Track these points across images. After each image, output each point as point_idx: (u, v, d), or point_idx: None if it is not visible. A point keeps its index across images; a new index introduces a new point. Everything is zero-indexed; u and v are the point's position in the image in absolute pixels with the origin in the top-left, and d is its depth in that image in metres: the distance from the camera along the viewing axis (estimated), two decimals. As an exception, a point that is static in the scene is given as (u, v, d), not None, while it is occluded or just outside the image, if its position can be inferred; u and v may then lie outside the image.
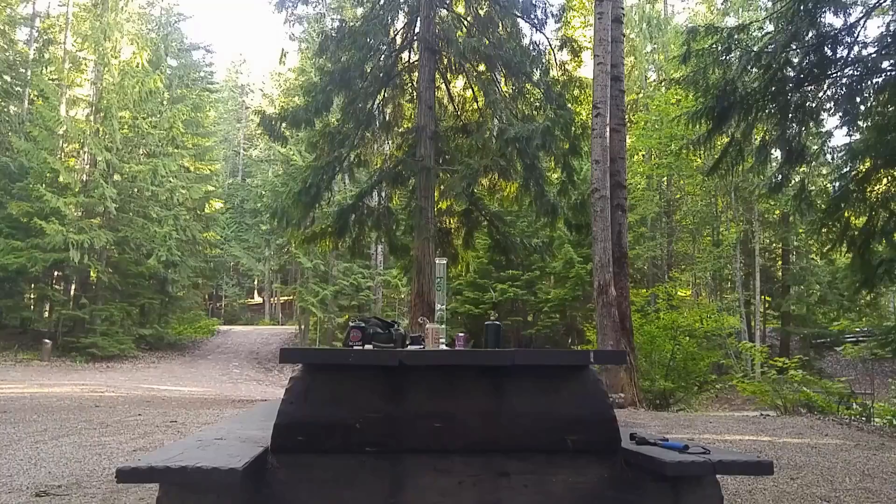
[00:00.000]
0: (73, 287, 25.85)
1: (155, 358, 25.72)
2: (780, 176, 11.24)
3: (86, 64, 27.82)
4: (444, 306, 3.80)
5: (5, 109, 27.60)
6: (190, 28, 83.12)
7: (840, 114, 10.42)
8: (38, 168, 23.96)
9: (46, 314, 26.93)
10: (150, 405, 9.87)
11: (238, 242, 40.53)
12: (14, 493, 3.73)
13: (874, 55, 9.65)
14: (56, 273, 26.60)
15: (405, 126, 15.56)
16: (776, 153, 11.65)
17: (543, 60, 14.21)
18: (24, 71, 28.14)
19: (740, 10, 27.86)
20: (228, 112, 54.73)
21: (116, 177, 25.47)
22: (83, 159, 26.17)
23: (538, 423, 2.42)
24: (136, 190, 26.69)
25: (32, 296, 27.64)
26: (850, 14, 9.62)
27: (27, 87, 27.83)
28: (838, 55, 9.75)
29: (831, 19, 9.75)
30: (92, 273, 25.24)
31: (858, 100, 10.03)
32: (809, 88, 10.13)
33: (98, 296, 25.52)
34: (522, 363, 2.43)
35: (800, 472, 4.71)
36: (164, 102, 28.65)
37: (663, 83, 27.54)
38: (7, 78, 27.50)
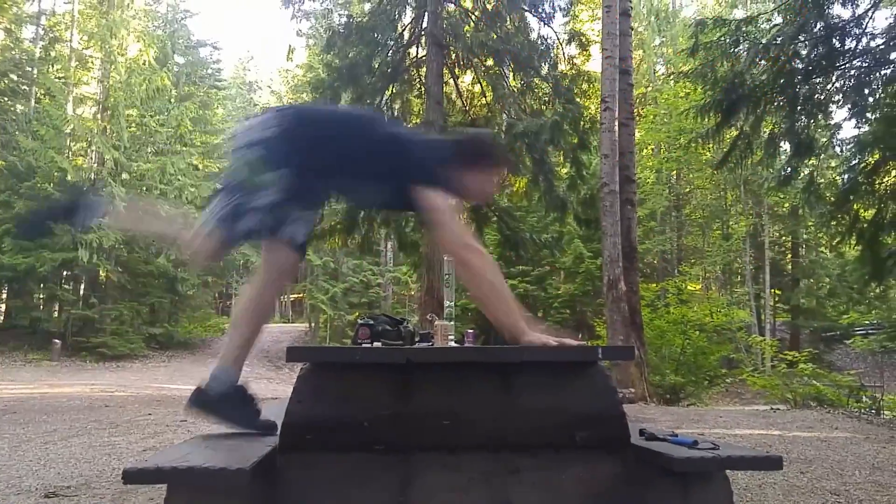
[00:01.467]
0: (82, 287, 25.97)
1: (165, 357, 25.80)
2: (788, 169, 11.18)
3: (92, 62, 27.90)
4: (453, 303, 3.79)
5: (12, 108, 27.67)
6: (197, 25, 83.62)
7: (849, 106, 10.35)
8: (46, 167, 24.03)
9: (56, 314, 27.01)
10: (160, 404, 9.89)
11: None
12: (23, 495, 3.75)
13: (882, 47, 9.56)
14: (65, 273, 26.67)
15: (414, 121, 15.54)
16: (785, 146, 11.58)
17: (552, 55, 14.18)
18: (30, 69, 28.21)
19: (748, 1, 27.75)
20: (237, 109, 54.74)
21: (124, 175, 25.55)
22: (91, 158, 26.27)
23: (547, 419, 2.41)
24: (144, 188, 26.76)
25: (42, 296, 27.73)
26: (858, 5, 9.55)
27: (34, 85, 27.91)
28: (846, 47, 9.68)
29: (839, 11, 9.68)
30: (101, 272, 25.36)
31: (867, 92, 9.96)
32: (818, 80, 10.06)
33: (107, 295, 25.64)
34: (531, 360, 2.42)
35: (810, 466, 4.69)
36: (172, 100, 28.71)
37: (672, 76, 27.41)
38: (13, 77, 27.59)
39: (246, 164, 2.52)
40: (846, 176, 10.73)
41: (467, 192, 2.73)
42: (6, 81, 27.34)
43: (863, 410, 9.42)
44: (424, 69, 14.49)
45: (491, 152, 2.78)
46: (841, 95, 10.23)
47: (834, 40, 9.54)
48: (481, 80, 15.34)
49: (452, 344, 3.18)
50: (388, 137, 2.69)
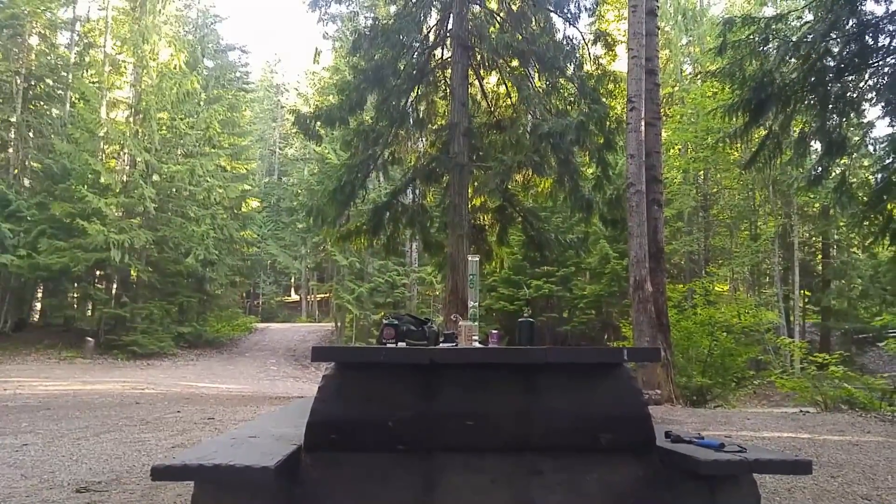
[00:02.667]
0: (114, 286, 26.38)
1: (194, 355, 26.11)
2: (819, 168, 11.03)
3: (125, 66, 28.31)
4: (477, 303, 3.79)
5: (48, 112, 28.19)
6: (226, 29, 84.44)
7: (882, 104, 10.20)
8: (80, 169, 24.44)
9: (89, 313, 27.48)
10: (188, 402, 10.02)
11: (274, 241, 40.91)
12: (55, 489, 3.82)
13: (917, 43, 9.41)
14: (98, 272, 27.14)
15: (438, 123, 15.56)
16: (815, 145, 11.45)
17: (577, 55, 14.10)
18: (65, 74, 28.68)
19: (778, -1, 27.36)
20: (264, 111, 55.25)
21: (155, 177, 25.88)
22: (123, 160, 26.69)
23: (572, 421, 2.40)
24: (174, 190, 27.12)
25: (75, 295, 28.26)
26: (891, 1, 9.42)
27: (68, 90, 28.37)
28: (880, 43, 9.54)
29: (872, 7, 9.64)
30: (132, 272, 25.73)
31: (901, 89, 9.81)
32: (850, 78, 9.91)
33: (138, 294, 26.01)
34: (556, 361, 2.41)
35: (840, 470, 4.62)
36: (201, 103, 29.05)
37: (699, 76, 27.11)
38: (49, 81, 28.07)
39: None
40: (879, 175, 10.57)
41: None
42: (42, 86, 27.85)
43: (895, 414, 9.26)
44: (450, 70, 14.51)
45: None
46: (874, 93, 10.09)
47: (867, 37, 9.41)
48: (506, 81, 15.30)
49: (476, 344, 3.19)
50: None
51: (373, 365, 2.40)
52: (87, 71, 29.21)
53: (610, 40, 14.83)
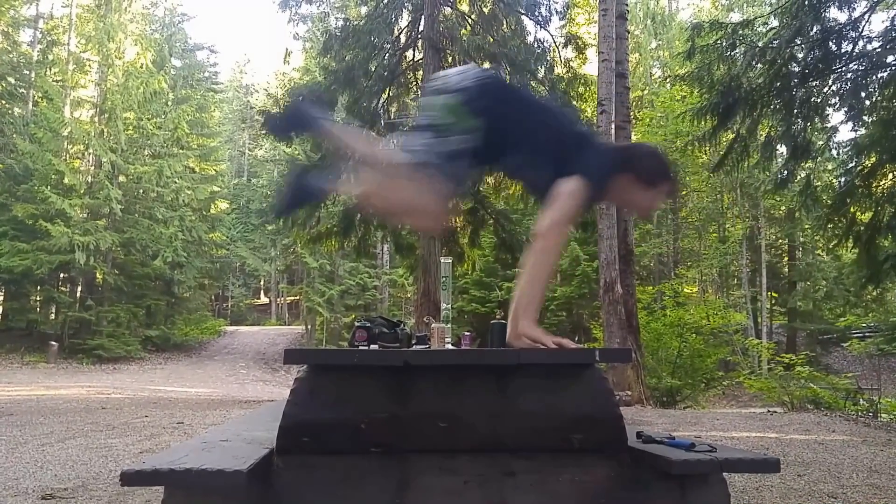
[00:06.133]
0: (79, 289, 25.96)
1: (161, 359, 25.78)
2: (785, 171, 11.21)
3: (90, 65, 27.88)
4: (449, 305, 3.78)
5: (9, 111, 27.64)
6: (194, 28, 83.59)
7: (845, 109, 10.40)
8: (43, 170, 24.04)
9: (52, 316, 27.00)
10: (156, 407, 9.88)
11: (244, 243, 40.59)
12: (20, 497, 3.74)
13: (879, 50, 9.61)
14: (62, 275, 26.69)
15: (410, 125, 15.52)
16: (781, 149, 11.61)
17: (548, 58, 14.18)
18: (27, 73, 28.21)
19: (745, 5, 27.82)
20: (233, 112, 54.79)
21: (121, 178, 25.57)
22: (88, 161, 26.29)
23: (544, 422, 2.41)
24: (141, 191, 26.78)
25: (38, 298, 27.72)
26: (854, 8, 9.59)
27: (31, 88, 27.91)
28: (843, 50, 9.72)
29: (836, 14, 9.73)
30: (98, 275, 25.35)
31: (864, 95, 10.02)
32: (814, 84, 10.09)
33: (104, 297, 25.63)
34: (528, 362, 2.42)
35: (807, 469, 4.69)
36: (169, 103, 28.76)
37: (668, 79, 27.48)
38: (11, 80, 27.57)
39: (445, 106, 2.44)
40: (843, 179, 10.78)
41: (631, 202, 2.69)
42: (3, 85, 27.31)
43: (860, 413, 9.44)
44: (421, 72, 14.50)
45: (668, 172, 2.71)
46: (837, 98, 10.27)
47: (830, 43, 9.58)
48: (478, 84, 15.32)
49: (449, 346, 3.18)
50: (574, 131, 2.65)
51: (346, 367, 2.39)
52: (50, 69, 28.72)
53: (580, 44, 14.94)
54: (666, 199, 2.65)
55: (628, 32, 13.43)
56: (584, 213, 2.58)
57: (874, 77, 9.76)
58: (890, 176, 10.17)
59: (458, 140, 2.38)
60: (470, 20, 15.00)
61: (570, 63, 14.92)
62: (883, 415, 9.53)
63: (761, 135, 11.23)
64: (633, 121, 21.04)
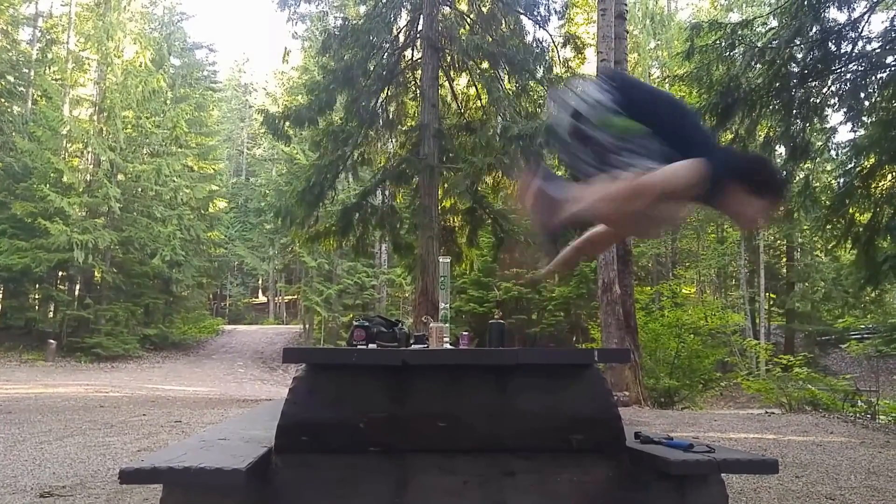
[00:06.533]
0: (77, 287, 25.92)
1: (159, 358, 25.75)
2: (784, 172, 11.19)
3: (89, 64, 27.81)
4: (447, 305, 3.78)
5: (9, 110, 27.59)
6: (193, 27, 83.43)
7: (844, 109, 10.39)
8: (42, 168, 23.99)
9: (51, 314, 26.93)
10: (154, 405, 9.88)
11: (242, 242, 40.55)
12: (18, 494, 3.74)
13: (878, 50, 9.60)
14: (60, 273, 26.64)
15: (409, 124, 15.53)
16: (780, 149, 11.61)
17: (547, 57, 14.18)
18: (27, 71, 28.16)
19: (744, 5, 27.80)
20: (232, 111, 54.74)
21: (120, 176, 25.52)
22: (87, 159, 26.25)
23: (543, 422, 2.41)
24: (139, 189, 26.74)
25: (37, 296, 27.66)
26: (854, 9, 9.59)
27: (30, 87, 27.86)
28: (842, 50, 9.72)
29: (835, 14, 9.72)
30: (96, 273, 25.32)
31: (863, 95, 10.00)
32: (814, 84, 10.08)
33: (102, 296, 25.59)
34: (527, 362, 2.42)
35: (805, 471, 4.69)
36: (168, 102, 28.70)
37: (667, 79, 27.44)
38: (10, 78, 27.53)
39: (609, 116, 2.37)
40: (842, 180, 10.76)
41: (738, 212, 2.63)
42: (3, 83, 27.27)
43: (858, 415, 9.44)
44: (420, 72, 14.50)
45: (780, 185, 2.65)
46: (837, 99, 10.26)
47: (830, 44, 9.58)
48: (476, 83, 15.32)
49: (447, 346, 3.18)
50: (700, 129, 2.63)
51: (344, 366, 2.39)
52: (49, 68, 28.67)
53: (579, 43, 14.94)
54: (771, 213, 2.55)
55: (627, 32, 13.42)
56: (694, 203, 2.41)
57: (873, 78, 9.76)
58: (889, 177, 10.15)
59: (649, 141, 2.32)
60: (469, 19, 15.00)
61: (569, 63, 14.92)
62: (881, 416, 9.53)
63: (760, 135, 11.22)
64: (632, 121, 20.97)
